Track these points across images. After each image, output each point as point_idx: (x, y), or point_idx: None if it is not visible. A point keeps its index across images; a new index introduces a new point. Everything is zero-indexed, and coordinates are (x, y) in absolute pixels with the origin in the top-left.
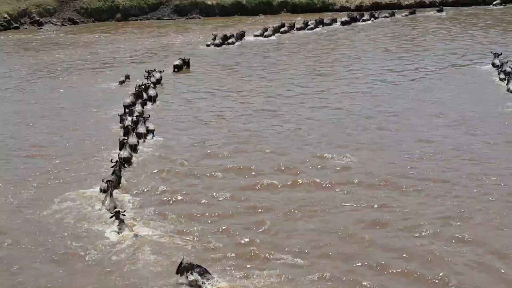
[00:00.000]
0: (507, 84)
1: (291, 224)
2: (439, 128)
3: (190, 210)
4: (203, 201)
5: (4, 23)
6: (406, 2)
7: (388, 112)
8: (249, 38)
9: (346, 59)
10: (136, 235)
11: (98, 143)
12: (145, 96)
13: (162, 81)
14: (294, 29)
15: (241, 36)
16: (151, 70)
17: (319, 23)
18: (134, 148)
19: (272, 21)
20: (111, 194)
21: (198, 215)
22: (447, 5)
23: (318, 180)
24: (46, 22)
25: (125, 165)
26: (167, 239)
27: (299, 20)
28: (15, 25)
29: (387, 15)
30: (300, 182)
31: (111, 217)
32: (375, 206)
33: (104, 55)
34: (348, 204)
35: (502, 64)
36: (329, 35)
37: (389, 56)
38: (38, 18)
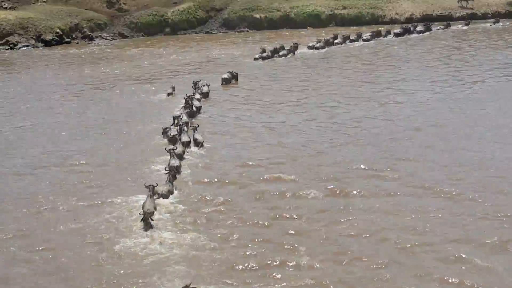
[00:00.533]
0: None
1: None
2: None
3: (226, 220)
4: (240, 213)
5: (56, 38)
6: (458, 14)
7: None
8: (302, 50)
9: (401, 70)
10: (161, 243)
11: (147, 152)
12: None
13: (209, 95)
14: (347, 41)
15: (294, 48)
16: (197, 81)
17: (377, 35)
18: (180, 157)
19: (320, 34)
20: (151, 197)
21: (236, 225)
22: (499, 16)
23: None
24: (97, 37)
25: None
26: (193, 250)
27: (352, 32)
28: (67, 39)
29: (442, 26)
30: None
31: (142, 220)
32: None
33: (152, 68)
34: None
35: None
36: (384, 47)
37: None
38: (89, 33)
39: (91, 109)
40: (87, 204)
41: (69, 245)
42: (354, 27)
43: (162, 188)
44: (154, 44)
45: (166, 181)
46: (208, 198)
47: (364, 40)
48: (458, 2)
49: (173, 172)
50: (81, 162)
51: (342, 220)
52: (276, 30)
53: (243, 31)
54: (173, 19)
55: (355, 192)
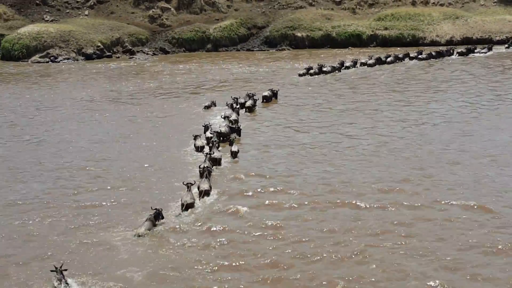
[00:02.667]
0: None
1: None
2: None
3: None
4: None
5: (97, 52)
6: (498, 38)
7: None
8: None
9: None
10: (139, 235)
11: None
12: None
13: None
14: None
15: (339, 66)
16: (236, 98)
17: (437, 54)
18: (219, 162)
19: (362, 54)
20: (190, 190)
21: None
22: None
23: None
24: (138, 51)
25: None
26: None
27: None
28: (108, 53)
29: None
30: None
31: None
32: None
33: (192, 82)
34: None
35: None
36: (440, 67)
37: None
38: (130, 47)
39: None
40: None
41: None
42: (395, 48)
43: (203, 186)
44: (197, 60)
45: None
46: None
47: (418, 59)
48: None
49: (208, 170)
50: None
51: None
52: (318, 49)
53: (284, 49)
54: (215, 35)
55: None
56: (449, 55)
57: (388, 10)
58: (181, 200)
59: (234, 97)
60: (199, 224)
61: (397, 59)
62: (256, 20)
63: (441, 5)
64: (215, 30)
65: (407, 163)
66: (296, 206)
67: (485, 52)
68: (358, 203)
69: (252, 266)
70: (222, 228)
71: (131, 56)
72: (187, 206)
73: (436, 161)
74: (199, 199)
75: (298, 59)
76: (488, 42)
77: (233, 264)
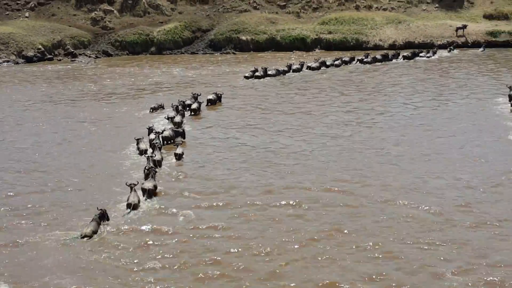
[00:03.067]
0: None
1: None
2: None
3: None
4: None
5: (38, 54)
6: (439, 42)
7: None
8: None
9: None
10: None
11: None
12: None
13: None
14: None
15: (286, 70)
16: (183, 101)
17: (383, 58)
18: (159, 164)
19: (306, 57)
20: (135, 191)
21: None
22: (478, 45)
23: None
24: (80, 54)
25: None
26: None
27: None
28: (49, 56)
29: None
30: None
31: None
32: None
33: (135, 85)
34: None
35: None
36: (386, 70)
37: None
38: (72, 50)
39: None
40: None
41: None
42: (339, 52)
43: (148, 184)
44: (141, 63)
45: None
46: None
47: (363, 62)
48: (456, 30)
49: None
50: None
51: None
52: (262, 52)
53: (229, 53)
54: (158, 38)
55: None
56: (395, 59)
57: (332, 14)
58: (127, 201)
59: (180, 100)
60: (140, 225)
61: (344, 62)
62: (201, 23)
63: (384, 9)
64: (159, 33)
65: (345, 165)
66: (238, 207)
67: (430, 56)
68: (296, 205)
69: (191, 265)
70: (162, 229)
71: (73, 59)
72: (133, 207)
73: (374, 162)
74: (145, 198)
75: (243, 62)
76: (430, 47)
77: (174, 266)
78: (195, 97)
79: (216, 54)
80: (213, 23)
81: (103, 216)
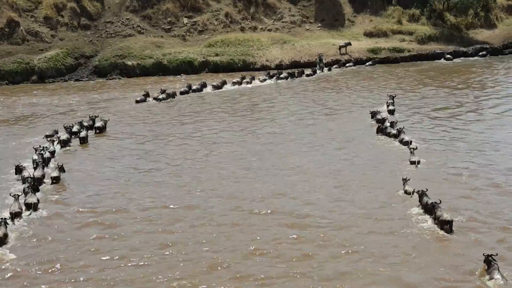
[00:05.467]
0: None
1: None
2: None
3: None
4: None
5: None
6: (325, 61)
7: None
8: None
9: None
10: None
11: None
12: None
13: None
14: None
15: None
16: (70, 127)
17: (275, 76)
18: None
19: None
20: (17, 200)
21: None
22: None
23: None
24: None
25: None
26: None
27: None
28: None
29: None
30: None
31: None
32: None
33: (16, 115)
34: None
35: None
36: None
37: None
38: None
39: None
40: None
41: None
42: (227, 74)
43: (31, 199)
44: (23, 92)
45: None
46: None
47: (262, 81)
48: (339, 49)
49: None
50: None
51: None
52: (150, 77)
53: (115, 78)
54: (40, 66)
55: None
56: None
57: (218, 36)
58: (9, 210)
59: (67, 125)
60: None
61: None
62: (84, 49)
63: (269, 30)
64: (39, 60)
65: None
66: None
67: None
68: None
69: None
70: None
71: None
72: (15, 215)
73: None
74: (29, 213)
75: (129, 88)
76: (315, 65)
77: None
78: (82, 125)
79: (102, 80)
80: (96, 48)
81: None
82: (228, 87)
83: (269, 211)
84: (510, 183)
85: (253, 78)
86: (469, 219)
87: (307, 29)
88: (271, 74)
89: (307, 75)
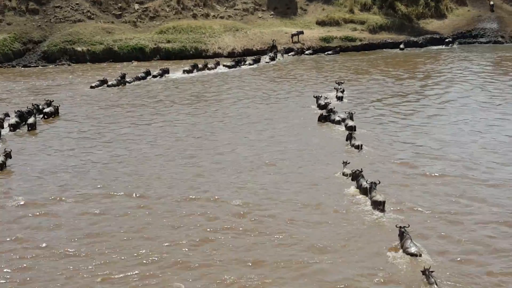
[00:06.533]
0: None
1: None
2: None
3: None
4: None
5: None
6: (274, 49)
7: None
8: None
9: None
10: None
11: None
12: None
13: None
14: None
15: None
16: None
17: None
18: None
19: (145, 67)
20: None
21: None
22: (314, 50)
23: None
24: None
25: None
26: None
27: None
28: None
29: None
30: None
31: None
32: None
33: None
34: None
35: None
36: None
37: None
38: None
39: None
40: None
41: None
42: (179, 61)
43: None
44: None
45: None
46: None
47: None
48: (291, 37)
49: None
50: None
51: None
52: (100, 63)
53: (64, 64)
54: None
55: None
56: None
57: (170, 23)
58: None
59: (17, 110)
60: None
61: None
62: (32, 34)
63: (222, 17)
64: None
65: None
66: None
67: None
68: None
69: None
70: None
71: None
72: None
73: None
74: None
75: (80, 74)
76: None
77: None
78: (31, 111)
79: (51, 66)
80: (45, 34)
81: None
82: (180, 74)
83: (198, 197)
84: (448, 171)
85: (217, 64)
86: (401, 201)
87: (260, 17)
88: (236, 60)
89: (266, 62)
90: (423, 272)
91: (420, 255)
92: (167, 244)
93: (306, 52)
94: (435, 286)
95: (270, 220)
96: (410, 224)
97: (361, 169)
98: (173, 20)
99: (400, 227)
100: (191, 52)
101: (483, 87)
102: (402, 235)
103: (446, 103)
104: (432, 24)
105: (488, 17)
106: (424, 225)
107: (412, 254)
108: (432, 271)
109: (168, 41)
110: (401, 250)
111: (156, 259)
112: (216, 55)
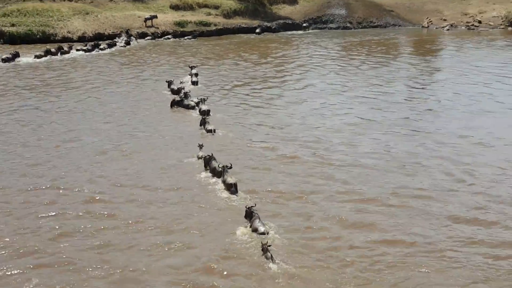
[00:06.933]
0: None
1: None
2: None
3: None
4: None
5: None
6: (130, 33)
7: None
8: None
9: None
10: None
11: None
12: None
13: None
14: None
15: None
16: None
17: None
18: None
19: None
20: None
21: None
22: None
23: None
24: None
25: None
26: None
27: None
28: None
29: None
30: None
31: None
32: None
33: None
34: None
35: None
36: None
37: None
38: None
39: None
40: None
41: None
42: (25, 45)
43: None
44: None
45: None
46: None
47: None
48: (144, 22)
49: None
50: None
51: None
52: None
53: None
54: None
55: None
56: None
57: (14, 5)
58: None
59: None
60: None
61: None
62: None
63: (70, 0)
64: None
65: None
66: None
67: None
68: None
69: None
70: None
71: None
72: None
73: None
74: None
75: None
76: (116, 37)
77: None
78: None
79: None
80: None
81: None
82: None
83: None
84: (300, 152)
85: (70, 48)
86: (254, 182)
87: (111, 0)
88: (93, 44)
89: (122, 46)
90: (262, 248)
91: (268, 233)
92: None
93: (165, 37)
94: (271, 260)
95: (123, 206)
96: (262, 205)
97: (212, 153)
98: (18, 2)
99: (248, 207)
100: (38, 36)
101: (335, 72)
102: (251, 214)
103: (304, 88)
104: (284, 10)
105: (337, 3)
106: (276, 205)
107: (260, 232)
108: (269, 246)
109: (13, 25)
110: (250, 229)
111: None
112: (65, 39)
